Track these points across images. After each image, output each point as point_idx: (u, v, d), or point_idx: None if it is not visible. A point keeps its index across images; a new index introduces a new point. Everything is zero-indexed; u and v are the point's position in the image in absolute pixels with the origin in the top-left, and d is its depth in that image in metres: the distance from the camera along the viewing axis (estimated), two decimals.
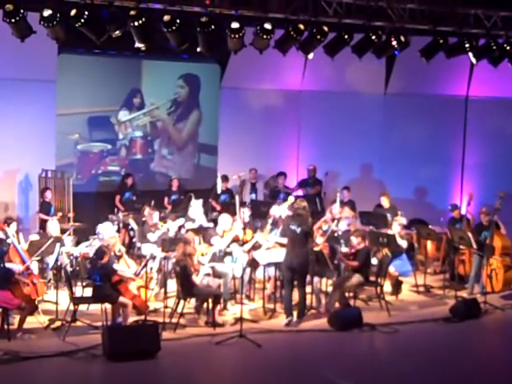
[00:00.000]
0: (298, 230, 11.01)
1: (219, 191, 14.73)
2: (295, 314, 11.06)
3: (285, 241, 11.24)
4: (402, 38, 12.89)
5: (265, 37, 12.06)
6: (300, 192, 15.21)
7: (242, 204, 13.65)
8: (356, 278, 11.48)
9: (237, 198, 13.42)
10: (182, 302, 10.83)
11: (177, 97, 16.33)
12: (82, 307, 10.81)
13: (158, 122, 16.25)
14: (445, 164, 16.89)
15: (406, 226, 13.73)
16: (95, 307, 10.75)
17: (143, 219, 12.88)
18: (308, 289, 11.59)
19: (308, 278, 11.43)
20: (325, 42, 12.66)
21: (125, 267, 11.01)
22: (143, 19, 11.34)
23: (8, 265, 10.54)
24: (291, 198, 12.52)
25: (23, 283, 10.39)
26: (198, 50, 12.16)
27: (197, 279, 10.93)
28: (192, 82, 16.41)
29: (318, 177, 15.81)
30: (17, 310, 10.26)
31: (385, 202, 14.27)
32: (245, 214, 12.76)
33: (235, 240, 11.88)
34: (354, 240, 11.75)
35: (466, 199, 13.97)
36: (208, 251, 11.70)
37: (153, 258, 11.66)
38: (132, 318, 10.67)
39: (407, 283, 13.09)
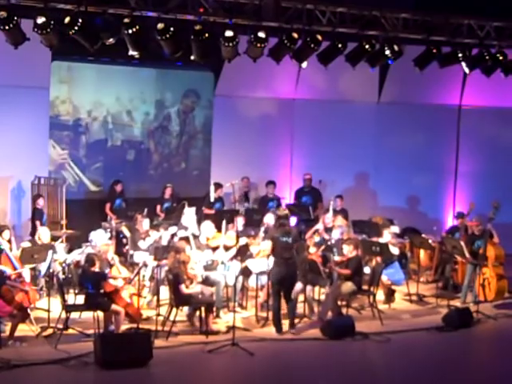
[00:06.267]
0: (290, 241, 10.98)
1: (212, 199, 14.71)
2: (287, 323, 11.06)
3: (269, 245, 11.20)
4: (396, 48, 12.94)
5: (258, 45, 12.09)
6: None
7: (236, 212, 13.67)
8: (348, 286, 11.47)
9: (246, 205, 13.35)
10: (174, 309, 10.81)
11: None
12: (74, 315, 10.78)
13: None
14: (438, 173, 16.93)
15: (399, 235, 13.74)
16: (87, 315, 10.70)
17: (136, 227, 12.86)
18: (301, 297, 11.60)
19: (301, 286, 11.43)
20: (318, 51, 12.69)
21: (117, 275, 10.99)
22: (137, 27, 11.35)
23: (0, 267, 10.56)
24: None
25: (15, 290, 10.35)
26: (192, 57, 12.18)
27: (191, 287, 10.92)
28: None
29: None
30: (8, 317, 10.23)
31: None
32: (238, 222, 12.76)
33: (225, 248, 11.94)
34: (346, 248, 11.75)
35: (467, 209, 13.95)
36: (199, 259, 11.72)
37: (145, 265, 11.64)
38: (124, 326, 10.65)
39: (400, 292, 13.08)
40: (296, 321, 11.29)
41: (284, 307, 11.16)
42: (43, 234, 12.13)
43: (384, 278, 12.23)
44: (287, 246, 10.95)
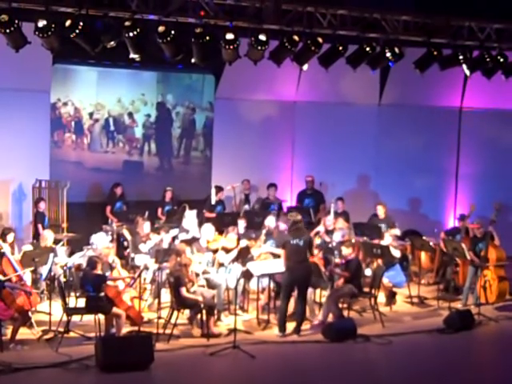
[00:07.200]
0: (301, 243, 10.98)
1: (213, 202, 14.71)
2: (292, 326, 11.08)
3: (279, 251, 11.23)
4: (397, 50, 12.93)
5: (259, 48, 12.09)
6: None
7: (237, 215, 13.67)
8: (348, 288, 11.47)
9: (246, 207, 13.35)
10: (175, 312, 10.81)
11: None
12: (76, 318, 10.77)
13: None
14: (439, 175, 16.91)
15: (400, 237, 13.74)
16: (88, 318, 10.69)
17: (137, 230, 12.86)
18: None
19: None
20: (319, 54, 12.69)
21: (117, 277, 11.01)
22: (138, 30, 11.36)
23: None
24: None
25: (16, 294, 10.35)
26: (193, 60, 12.18)
27: (192, 289, 10.92)
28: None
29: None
30: (9, 320, 10.23)
31: (380, 212, 14.19)
32: (240, 225, 12.76)
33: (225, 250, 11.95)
34: (345, 250, 11.76)
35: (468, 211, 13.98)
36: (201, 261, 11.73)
37: (146, 268, 11.64)
38: (125, 329, 10.64)
39: (401, 294, 13.08)
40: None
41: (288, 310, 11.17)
42: (46, 237, 12.15)
43: (385, 280, 12.23)
44: (297, 249, 10.95)
